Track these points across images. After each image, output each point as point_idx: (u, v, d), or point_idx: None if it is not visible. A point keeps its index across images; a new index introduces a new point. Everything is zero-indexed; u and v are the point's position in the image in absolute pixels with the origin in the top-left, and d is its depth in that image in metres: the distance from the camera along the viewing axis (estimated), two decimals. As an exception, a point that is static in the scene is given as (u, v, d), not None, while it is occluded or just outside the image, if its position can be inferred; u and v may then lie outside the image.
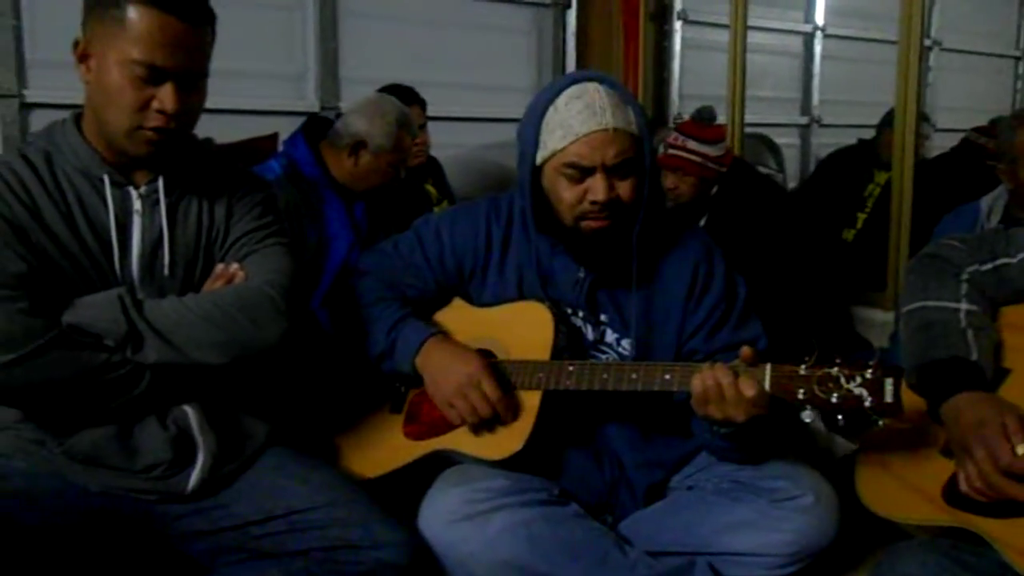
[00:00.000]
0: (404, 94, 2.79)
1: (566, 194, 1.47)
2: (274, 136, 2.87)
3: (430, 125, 2.99)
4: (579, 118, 1.43)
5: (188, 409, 1.35)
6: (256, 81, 3.09)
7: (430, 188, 3.02)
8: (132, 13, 1.23)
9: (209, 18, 1.32)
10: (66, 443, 1.29)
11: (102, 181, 1.32)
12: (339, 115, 2.49)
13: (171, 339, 1.26)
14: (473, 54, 3.56)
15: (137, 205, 1.34)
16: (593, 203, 1.45)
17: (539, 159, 1.49)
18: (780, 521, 1.44)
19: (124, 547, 1.32)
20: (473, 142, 3.58)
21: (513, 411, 1.47)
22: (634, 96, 1.54)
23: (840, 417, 1.29)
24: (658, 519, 1.52)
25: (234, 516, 1.33)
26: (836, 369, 1.29)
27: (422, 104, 2.93)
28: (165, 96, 1.26)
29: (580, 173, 1.45)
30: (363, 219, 2.39)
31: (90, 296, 1.27)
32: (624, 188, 1.46)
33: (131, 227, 1.33)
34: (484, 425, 1.47)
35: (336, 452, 1.60)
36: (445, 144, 3.24)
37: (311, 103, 3.21)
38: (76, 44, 1.30)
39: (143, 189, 1.35)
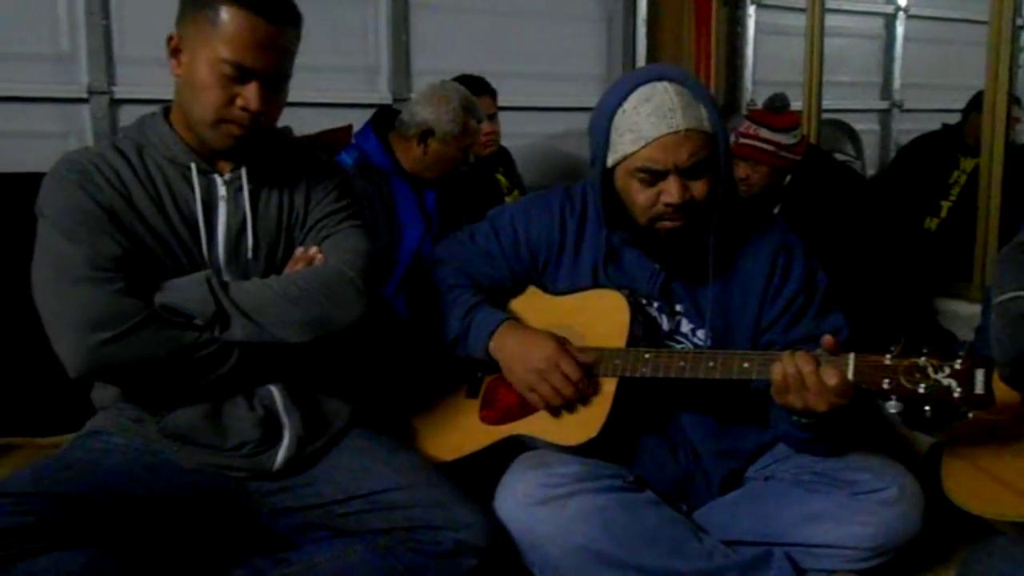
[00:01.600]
0: (475, 84, 2.81)
1: (639, 197, 1.46)
2: (348, 128, 2.93)
3: (500, 115, 3.00)
4: (649, 121, 1.41)
5: (274, 390, 1.40)
6: (330, 75, 3.16)
7: (500, 178, 3.04)
8: (224, 14, 1.29)
9: (296, 21, 1.37)
10: (162, 421, 1.35)
11: (189, 169, 1.38)
12: (407, 106, 2.53)
13: (256, 318, 1.31)
14: (543, 43, 3.55)
15: (222, 192, 1.40)
16: (667, 205, 1.44)
17: (610, 162, 1.48)
18: (862, 514, 1.41)
19: (216, 521, 1.37)
20: (543, 131, 3.58)
21: (591, 391, 1.47)
22: (707, 90, 1.49)
23: (927, 408, 1.26)
24: (734, 508, 1.51)
25: (319, 494, 1.38)
26: (924, 359, 1.26)
27: (492, 94, 2.95)
28: (250, 95, 1.32)
29: (652, 176, 1.43)
30: (434, 207, 2.43)
31: (180, 278, 1.33)
32: (698, 188, 1.44)
33: (217, 213, 1.39)
34: (565, 407, 1.48)
35: (413, 435, 1.63)
36: (515, 134, 3.25)
37: (384, 95, 3.26)
38: (170, 39, 1.36)
39: (227, 176, 1.41)
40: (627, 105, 1.44)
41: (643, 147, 1.42)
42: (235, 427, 1.36)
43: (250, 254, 1.41)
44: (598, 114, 1.50)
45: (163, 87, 1.74)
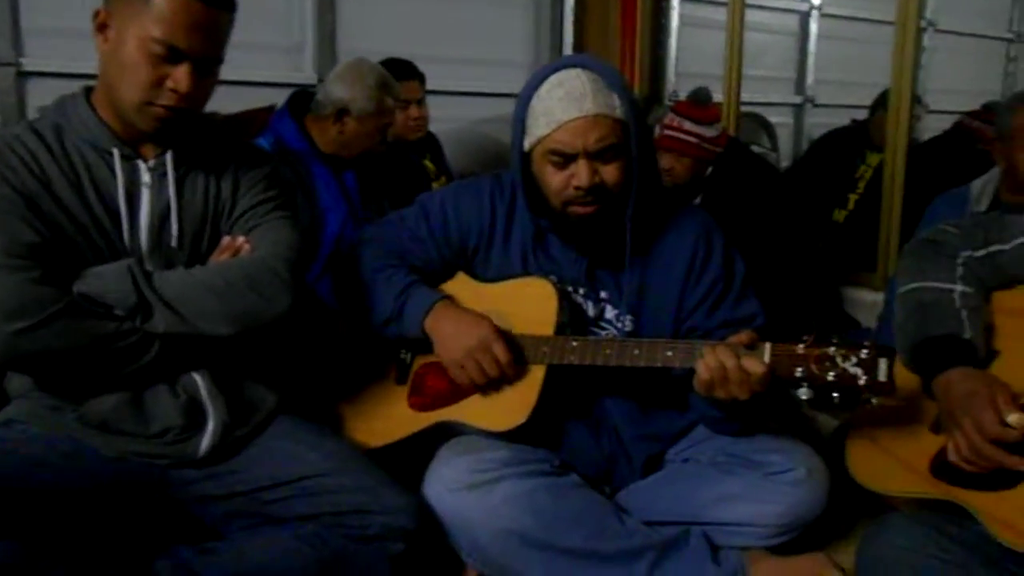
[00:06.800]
0: (402, 68, 2.79)
1: (552, 180, 1.49)
2: (271, 108, 2.85)
3: (428, 99, 2.99)
4: (560, 105, 1.45)
5: (197, 377, 1.38)
6: (254, 53, 3.06)
7: (428, 164, 3.02)
8: None
9: (232, 6, 1.34)
10: (80, 409, 1.32)
11: (111, 154, 1.34)
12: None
13: (179, 310, 1.29)
14: (471, 29, 3.54)
15: (146, 178, 1.36)
16: (577, 188, 1.47)
17: (526, 146, 1.52)
18: (773, 493, 1.49)
19: (140, 511, 1.35)
20: (471, 117, 3.57)
21: (519, 377, 1.50)
22: (624, 80, 1.54)
23: (835, 395, 1.33)
24: (655, 490, 1.57)
25: (245, 481, 1.37)
26: (833, 349, 1.33)
27: (420, 78, 2.92)
28: (180, 76, 1.28)
29: (564, 159, 1.47)
30: (354, 188, 2.40)
31: (100, 267, 1.29)
32: (609, 173, 1.48)
33: (140, 199, 1.36)
34: (492, 386, 1.50)
35: (341, 422, 1.63)
36: (443, 119, 3.23)
37: (309, 75, 3.19)
38: (96, 13, 1.31)
39: (152, 162, 1.37)
40: (542, 90, 1.48)
41: (554, 130, 1.45)
42: (158, 414, 1.34)
43: (174, 242, 1.37)
44: (518, 100, 1.53)
45: (74, 59, 1.64)
